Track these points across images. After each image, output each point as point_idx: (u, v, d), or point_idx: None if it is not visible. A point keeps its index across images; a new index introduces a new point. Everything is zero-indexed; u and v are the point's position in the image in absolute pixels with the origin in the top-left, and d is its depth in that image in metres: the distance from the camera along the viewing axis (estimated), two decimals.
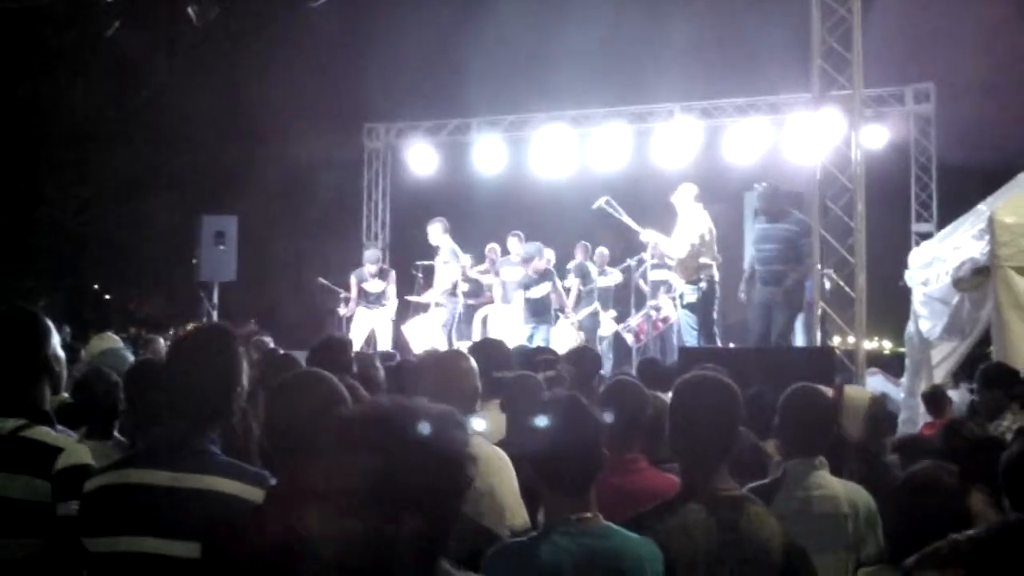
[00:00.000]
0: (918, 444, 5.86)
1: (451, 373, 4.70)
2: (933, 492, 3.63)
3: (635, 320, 14.60)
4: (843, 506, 4.29)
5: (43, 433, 3.36)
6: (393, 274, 15.44)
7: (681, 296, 12.73)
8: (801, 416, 4.42)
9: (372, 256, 15.73)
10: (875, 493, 4.32)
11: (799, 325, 13.73)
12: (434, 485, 2.10)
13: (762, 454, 5.04)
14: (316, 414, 2.91)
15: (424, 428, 2.11)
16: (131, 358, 7.39)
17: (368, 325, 15.06)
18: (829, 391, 5.65)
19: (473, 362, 4.76)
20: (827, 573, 3.94)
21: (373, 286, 15.20)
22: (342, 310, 15.36)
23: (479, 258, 15.86)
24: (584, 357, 7.28)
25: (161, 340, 8.97)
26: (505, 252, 15.39)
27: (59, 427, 3.60)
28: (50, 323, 3.61)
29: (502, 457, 4.23)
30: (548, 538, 3.15)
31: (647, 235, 13.72)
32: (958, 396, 10.77)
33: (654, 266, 14.11)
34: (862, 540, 4.29)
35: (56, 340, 3.60)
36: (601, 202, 14.18)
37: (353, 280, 15.40)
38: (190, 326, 3.44)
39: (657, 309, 14.35)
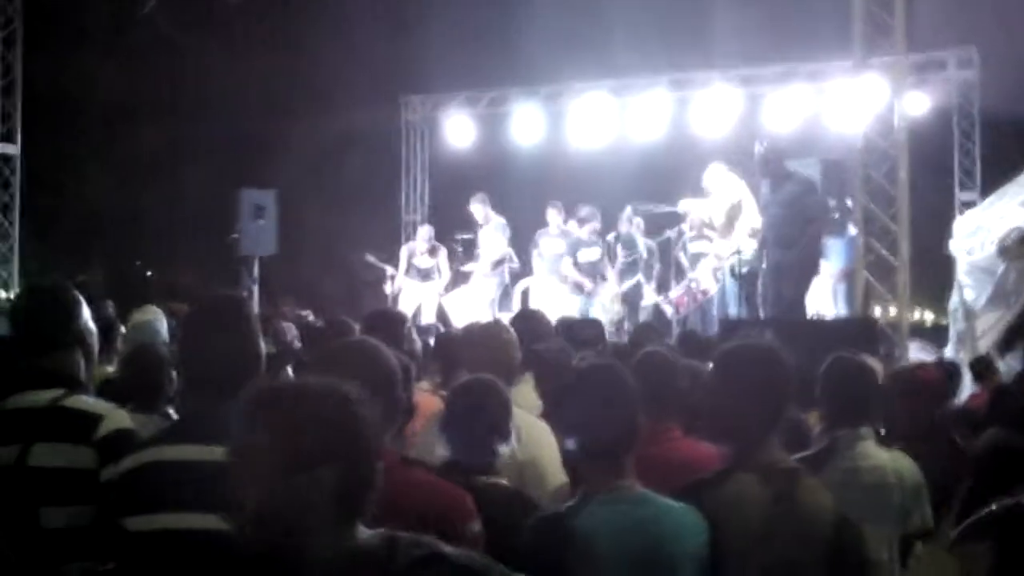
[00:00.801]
0: (966, 415, 5.78)
1: (492, 345, 4.70)
2: (1008, 458, 3.58)
3: (675, 292, 14.51)
4: (889, 476, 4.26)
5: (82, 402, 3.40)
6: (444, 251, 15.51)
7: (728, 267, 12.58)
8: (844, 386, 4.39)
9: (425, 232, 15.84)
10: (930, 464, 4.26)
11: (840, 294, 13.63)
12: (346, 443, 2.13)
13: (803, 426, 4.98)
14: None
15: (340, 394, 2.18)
16: (164, 331, 7.42)
17: (416, 299, 15.18)
18: (875, 362, 5.61)
19: (514, 334, 4.75)
20: (873, 544, 3.90)
21: (423, 261, 15.30)
22: (388, 288, 15.44)
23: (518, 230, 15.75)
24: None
25: None
26: (544, 224, 15.28)
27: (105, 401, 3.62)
28: (80, 296, 3.63)
29: (543, 428, 4.21)
30: (586, 507, 3.14)
31: (684, 204, 13.66)
32: (1003, 366, 10.66)
33: (693, 238, 14.03)
34: (908, 511, 4.26)
35: (87, 313, 3.62)
36: (628, 210, 14.19)
37: (404, 254, 15.54)
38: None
39: (696, 281, 14.24)
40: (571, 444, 3.27)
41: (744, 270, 11.99)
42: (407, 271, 15.37)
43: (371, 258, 15.53)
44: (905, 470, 4.30)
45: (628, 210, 15.22)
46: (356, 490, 2.15)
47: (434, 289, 15.27)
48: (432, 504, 3.00)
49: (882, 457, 4.32)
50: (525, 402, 4.64)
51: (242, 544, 2.16)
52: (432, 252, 15.40)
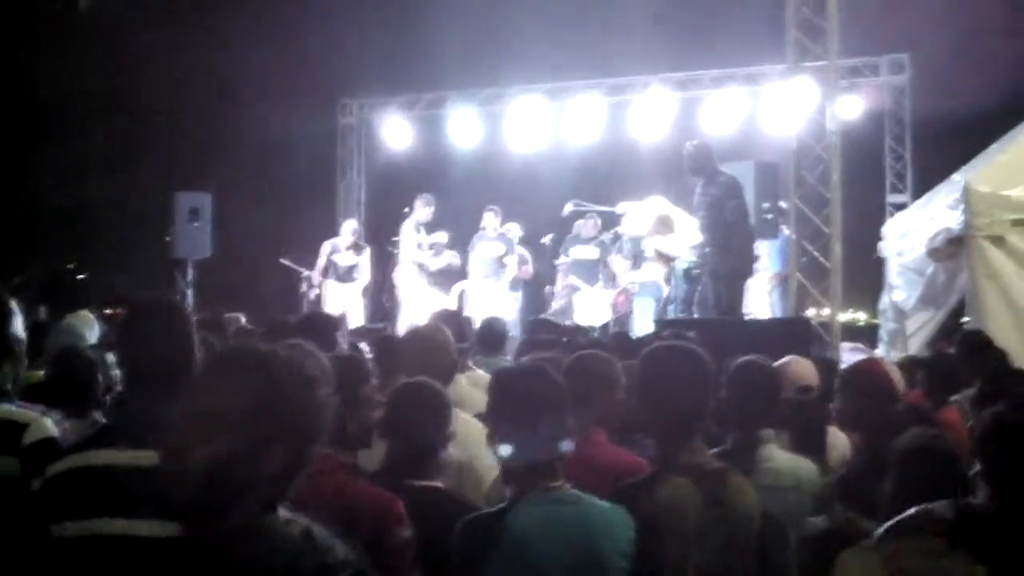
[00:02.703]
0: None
1: (429, 347, 4.71)
2: (928, 457, 3.63)
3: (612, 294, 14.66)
4: (785, 479, 4.26)
5: (7, 411, 3.35)
6: (368, 251, 15.13)
7: (682, 269, 12.65)
8: (749, 390, 4.39)
9: (349, 227, 15.40)
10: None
11: (775, 295, 13.77)
12: (304, 421, 2.12)
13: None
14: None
15: (300, 368, 2.17)
16: (89, 335, 7.32)
17: (339, 301, 14.68)
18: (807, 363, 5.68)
19: (450, 335, 4.77)
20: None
21: (345, 259, 14.87)
22: (306, 289, 15.04)
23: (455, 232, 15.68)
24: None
25: None
26: (481, 227, 15.31)
27: (33, 405, 3.55)
28: (12, 303, 3.56)
29: (481, 428, 4.22)
30: (517, 507, 3.15)
31: (623, 207, 13.77)
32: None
33: (629, 240, 14.21)
34: (803, 515, 4.27)
35: (18, 320, 3.55)
36: (570, 206, 14.26)
37: (325, 250, 15.05)
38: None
39: (632, 283, 14.37)
40: (503, 450, 3.27)
41: (696, 272, 12.09)
42: (326, 269, 14.92)
43: (286, 261, 15.15)
44: (804, 473, 4.34)
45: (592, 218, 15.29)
46: (293, 473, 2.13)
47: (356, 290, 14.90)
48: (362, 511, 3.00)
49: (780, 460, 4.35)
50: (472, 403, 4.66)
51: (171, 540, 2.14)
52: (356, 250, 14.95)
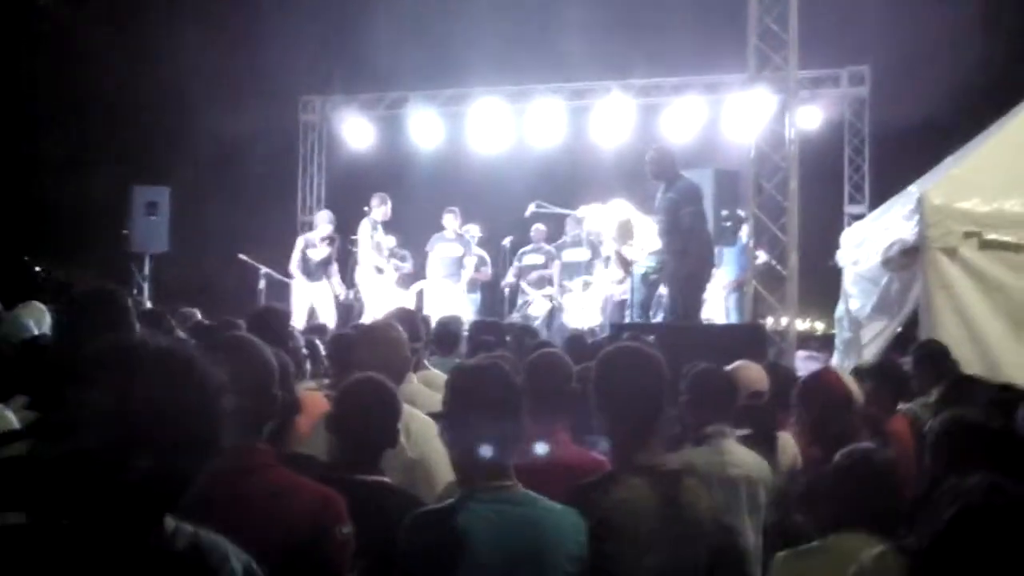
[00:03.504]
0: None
1: (381, 344, 4.69)
2: (862, 472, 3.68)
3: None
4: (752, 472, 4.53)
5: None
6: (338, 242, 14.90)
7: (640, 273, 12.71)
8: (704, 389, 4.73)
9: (325, 217, 15.11)
10: None
11: (732, 302, 13.85)
12: (172, 427, 1.93)
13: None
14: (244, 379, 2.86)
15: (173, 365, 1.99)
16: (33, 326, 7.26)
17: (308, 299, 14.53)
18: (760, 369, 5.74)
19: (403, 332, 4.76)
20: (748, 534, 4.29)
21: (318, 253, 14.61)
22: (264, 285, 14.83)
23: (406, 234, 15.61)
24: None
25: None
26: (441, 228, 15.32)
27: None
28: None
29: (433, 426, 4.22)
30: (465, 505, 3.15)
31: (584, 210, 13.84)
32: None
33: (572, 244, 14.41)
34: (757, 504, 4.52)
35: None
36: (532, 207, 14.30)
37: (299, 245, 14.86)
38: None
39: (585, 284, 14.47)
40: (456, 446, 3.27)
41: (653, 276, 12.14)
42: (301, 263, 14.69)
43: (244, 256, 14.91)
44: (764, 469, 4.61)
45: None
46: (172, 483, 1.96)
47: (327, 289, 14.69)
48: (302, 506, 2.98)
49: (743, 454, 4.59)
50: (424, 401, 4.65)
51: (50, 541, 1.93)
52: (330, 242, 14.72)
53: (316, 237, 14.81)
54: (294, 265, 14.74)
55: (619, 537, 3.28)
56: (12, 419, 3.37)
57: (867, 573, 3.12)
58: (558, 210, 14.66)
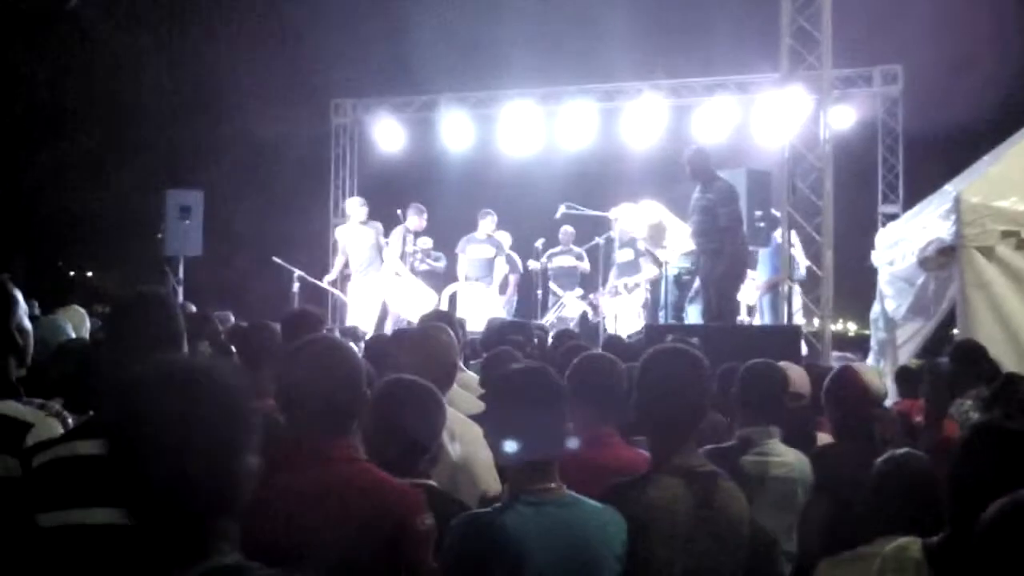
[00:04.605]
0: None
1: (430, 347, 4.69)
2: (902, 477, 3.67)
3: (600, 294, 14.72)
4: (793, 472, 4.50)
5: (11, 408, 3.29)
6: (380, 225, 14.79)
7: (673, 275, 12.68)
8: (755, 387, 4.64)
9: (357, 203, 15.01)
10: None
11: (766, 303, 13.79)
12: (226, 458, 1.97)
13: (720, 426, 5.09)
14: (333, 378, 3.03)
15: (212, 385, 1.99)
16: (71, 330, 7.30)
17: (369, 293, 14.51)
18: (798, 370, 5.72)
19: (453, 336, 4.76)
20: (781, 533, 4.21)
21: (359, 239, 14.58)
22: (298, 288, 14.79)
23: (436, 236, 15.60)
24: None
25: None
26: (472, 229, 15.33)
27: (27, 399, 3.50)
28: (16, 293, 3.51)
29: (478, 430, 4.21)
30: (512, 508, 3.15)
31: (615, 212, 13.79)
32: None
33: (620, 245, 14.26)
34: (800, 505, 4.51)
35: (23, 311, 3.51)
36: (562, 209, 14.26)
37: (342, 238, 14.88)
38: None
39: (626, 287, 14.40)
40: (505, 448, 3.27)
41: (686, 277, 12.11)
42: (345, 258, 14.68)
43: (277, 260, 14.89)
44: (806, 468, 4.57)
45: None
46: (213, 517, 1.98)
47: (386, 276, 14.57)
48: (385, 500, 3.00)
49: (786, 453, 4.57)
50: (463, 404, 4.64)
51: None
52: (367, 226, 14.68)
53: (351, 229, 14.79)
54: (339, 263, 14.95)
55: (652, 537, 3.28)
56: (57, 428, 3.36)
57: (888, 562, 3.14)
58: (589, 212, 14.61)
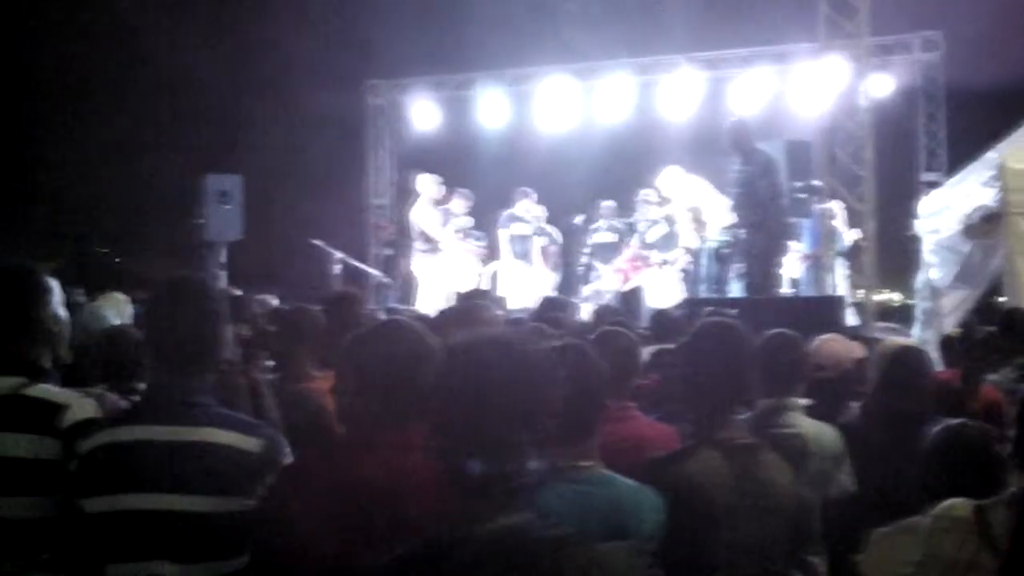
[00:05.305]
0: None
1: (476, 322, 4.69)
2: (961, 449, 3.62)
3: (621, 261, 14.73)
4: (810, 444, 4.39)
5: (45, 391, 3.31)
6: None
7: (711, 248, 12.63)
8: (776, 358, 4.52)
9: (432, 180, 14.94)
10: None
11: (807, 275, 13.70)
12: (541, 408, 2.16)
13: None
14: (407, 359, 2.96)
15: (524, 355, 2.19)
16: (112, 317, 7.34)
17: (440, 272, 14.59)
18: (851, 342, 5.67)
19: (498, 312, 4.75)
20: None
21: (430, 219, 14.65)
22: (339, 270, 14.83)
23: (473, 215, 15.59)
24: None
25: None
26: (510, 207, 15.31)
27: (64, 388, 3.52)
28: (52, 282, 3.53)
29: None
30: (548, 486, 3.12)
31: (664, 175, 13.78)
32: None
33: (653, 223, 14.29)
34: (827, 477, 4.39)
35: (57, 299, 3.52)
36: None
37: (438, 216, 14.85)
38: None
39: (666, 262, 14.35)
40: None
41: (726, 251, 12.04)
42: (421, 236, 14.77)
43: (317, 242, 14.88)
44: (827, 439, 4.46)
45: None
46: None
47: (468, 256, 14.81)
48: None
49: (805, 425, 4.47)
50: None
51: None
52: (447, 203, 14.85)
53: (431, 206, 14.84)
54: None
55: (694, 511, 3.26)
56: (93, 408, 3.38)
57: (938, 521, 3.09)
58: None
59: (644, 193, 14.74)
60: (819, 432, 4.47)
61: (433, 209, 14.69)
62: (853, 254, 12.87)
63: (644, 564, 3.05)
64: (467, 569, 1.87)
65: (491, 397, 2.15)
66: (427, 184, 14.81)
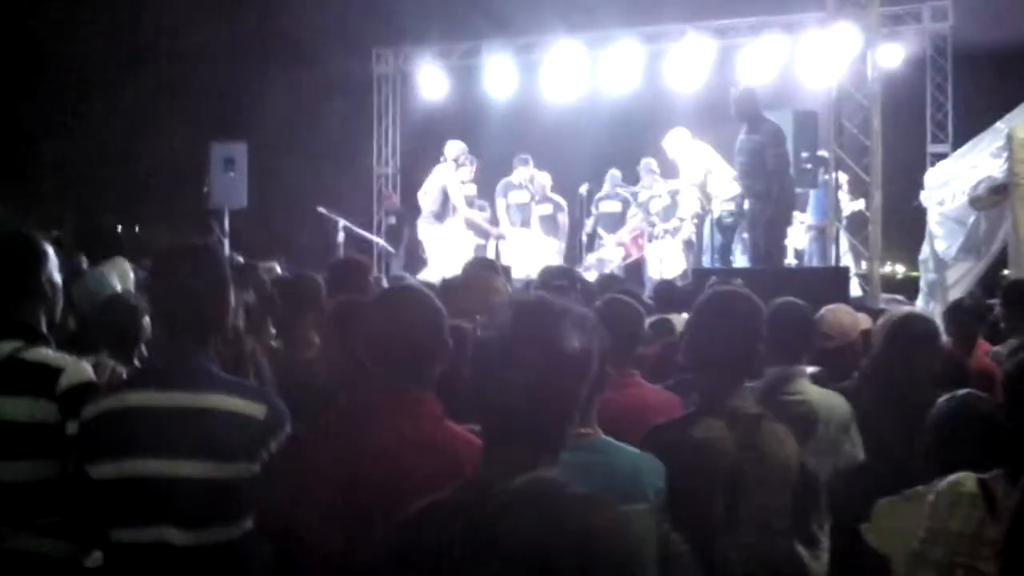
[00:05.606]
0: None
1: (483, 290, 4.67)
2: (968, 421, 3.62)
3: (623, 234, 14.72)
4: (816, 411, 4.38)
5: (42, 355, 3.33)
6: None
7: (713, 219, 12.62)
8: (784, 327, 4.48)
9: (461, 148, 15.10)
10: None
11: (814, 247, 13.68)
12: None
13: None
14: (420, 325, 2.95)
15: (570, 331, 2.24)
16: (116, 283, 7.33)
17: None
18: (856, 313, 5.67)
19: (504, 282, 4.74)
20: None
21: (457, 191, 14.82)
22: (344, 239, 14.79)
23: (480, 184, 15.57)
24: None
25: None
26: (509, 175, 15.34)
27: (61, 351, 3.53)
28: (48, 247, 3.54)
29: None
30: None
31: (671, 135, 13.78)
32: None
33: (655, 195, 14.29)
34: (837, 444, 4.40)
35: (53, 265, 3.52)
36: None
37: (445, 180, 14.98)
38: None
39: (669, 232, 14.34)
40: None
41: (728, 221, 12.02)
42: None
43: (322, 209, 14.83)
44: (835, 407, 4.46)
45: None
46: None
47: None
48: (465, 458, 2.95)
49: (811, 393, 4.48)
50: None
51: None
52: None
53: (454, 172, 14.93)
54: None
55: (694, 477, 3.24)
56: (89, 371, 3.40)
57: (943, 496, 3.17)
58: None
59: (646, 162, 14.74)
60: (828, 400, 4.48)
61: (456, 176, 14.71)
62: (855, 225, 12.84)
63: (663, 525, 3.06)
64: (499, 519, 1.88)
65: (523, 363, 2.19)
66: (454, 150, 14.84)
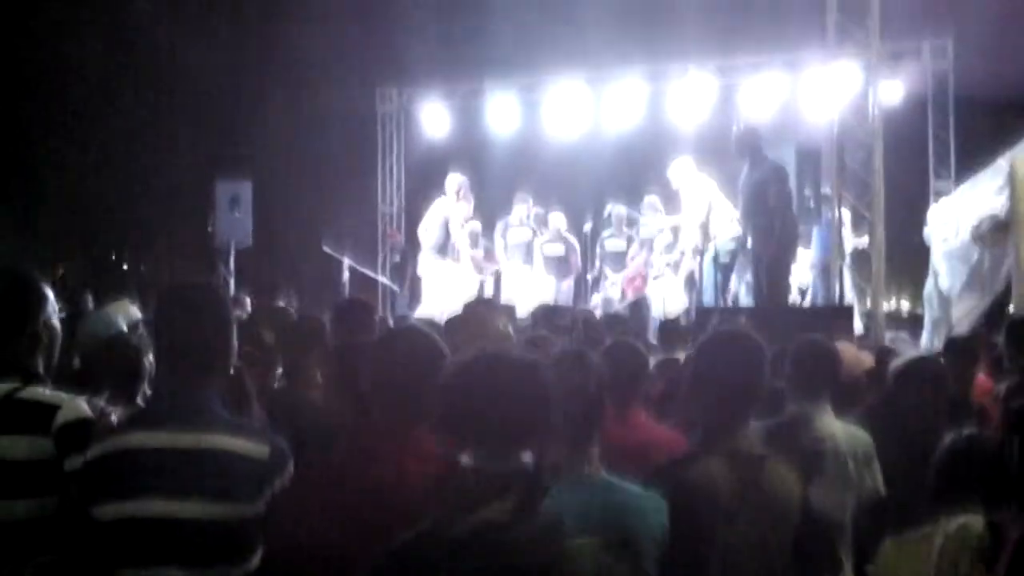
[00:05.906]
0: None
1: (484, 329, 4.70)
2: (969, 460, 3.62)
3: (628, 271, 14.74)
4: (843, 446, 4.49)
5: (38, 393, 3.33)
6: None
7: (710, 257, 12.64)
8: (808, 363, 4.64)
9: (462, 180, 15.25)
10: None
11: (817, 283, 13.68)
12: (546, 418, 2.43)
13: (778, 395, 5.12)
14: (422, 365, 3.00)
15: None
16: (121, 322, 7.33)
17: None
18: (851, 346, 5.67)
19: (506, 321, 4.79)
20: (835, 510, 4.33)
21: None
22: (348, 277, 14.82)
23: (483, 221, 15.60)
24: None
25: None
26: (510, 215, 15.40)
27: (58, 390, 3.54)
28: (47, 290, 3.56)
29: None
30: (550, 491, 3.12)
31: (675, 165, 13.81)
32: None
33: (659, 230, 14.33)
34: (861, 479, 4.49)
35: (52, 308, 3.54)
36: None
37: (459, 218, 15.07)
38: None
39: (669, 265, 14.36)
40: None
41: (726, 260, 12.02)
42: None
43: (327, 248, 14.87)
44: (858, 441, 4.55)
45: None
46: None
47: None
48: None
49: (836, 428, 4.55)
50: None
51: None
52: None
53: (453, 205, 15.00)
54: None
55: (693, 515, 3.24)
56: (84, 407, 3.41)
57: (951, 540, 3.15)
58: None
59: (650, 200, 14.78)
60: (850, 434, 4.56)
61: (457, 210, 14.76)
62: (859, 261, 12.85)
63: (619, 563, 3.06)
64: (443, 564, 1.94)
65: (485, 407, 2.39)
66: (454, 183, 14.90)
